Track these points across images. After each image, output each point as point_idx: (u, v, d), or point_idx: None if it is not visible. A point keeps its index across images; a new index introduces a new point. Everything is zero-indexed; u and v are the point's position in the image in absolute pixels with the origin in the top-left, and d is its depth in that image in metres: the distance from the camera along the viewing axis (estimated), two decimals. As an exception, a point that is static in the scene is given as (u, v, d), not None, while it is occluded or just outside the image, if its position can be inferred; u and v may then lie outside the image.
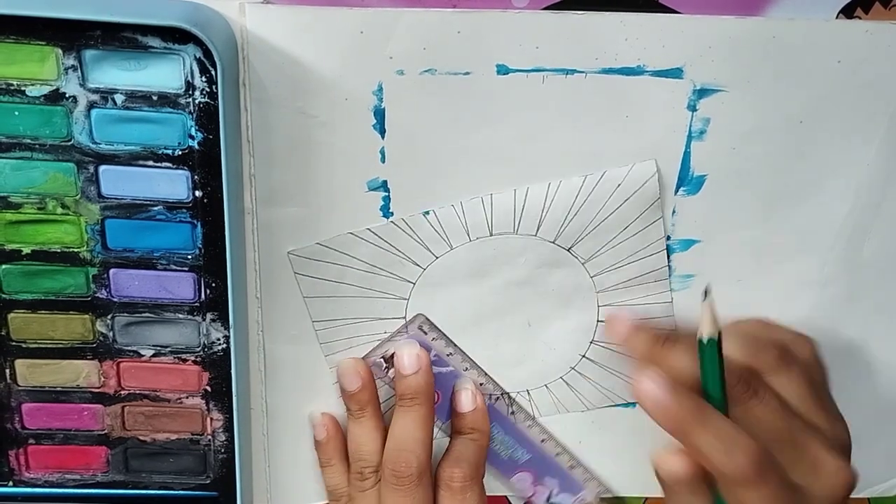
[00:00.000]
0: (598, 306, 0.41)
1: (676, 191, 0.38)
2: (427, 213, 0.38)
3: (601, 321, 0.41)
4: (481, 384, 0.42)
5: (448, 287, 0.40)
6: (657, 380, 0.34)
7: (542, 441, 0.44)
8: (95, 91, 0.33)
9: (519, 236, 0.39)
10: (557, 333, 0.41)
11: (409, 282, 0.39)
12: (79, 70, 0.33)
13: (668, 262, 0.40)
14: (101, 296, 0.37)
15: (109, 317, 0.38)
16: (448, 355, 0.42)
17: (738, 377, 0.35)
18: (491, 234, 0.39)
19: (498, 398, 0.43)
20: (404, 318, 0.40)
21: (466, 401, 0.42)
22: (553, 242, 0.39)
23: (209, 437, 0.41)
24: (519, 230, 0.38)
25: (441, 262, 0.39)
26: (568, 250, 0.39)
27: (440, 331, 0.41)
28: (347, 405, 0.41)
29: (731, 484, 0.33)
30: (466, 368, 0.42)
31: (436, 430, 0.42)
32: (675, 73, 0.35)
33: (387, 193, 0.37)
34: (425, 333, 0.41)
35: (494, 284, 0.40)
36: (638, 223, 0.39)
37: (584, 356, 0.42)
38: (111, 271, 0.37)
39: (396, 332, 0.41)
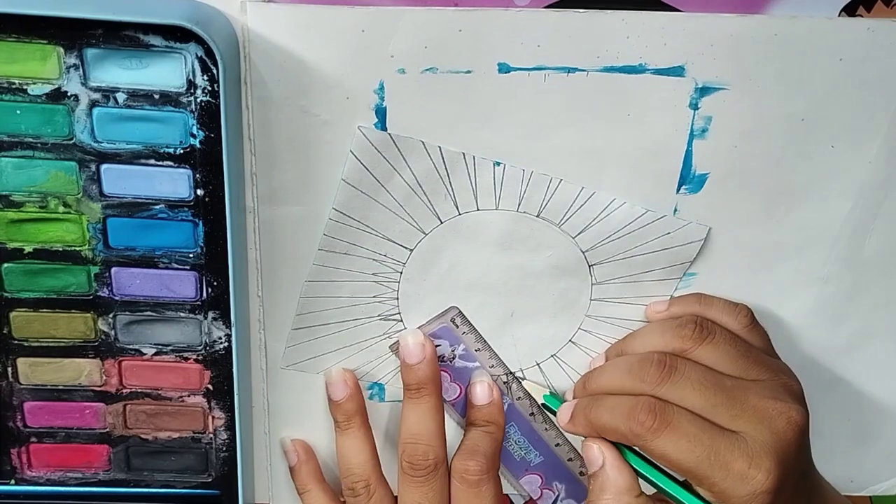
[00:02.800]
0: (579, 328, 0.41)
1: (678, 189, 0.38)
2: (498, 163, 0.37)
3: (572, 341, 0.42)
4: (505, 382, 0.42)
5: (467, 242, 0.39)
6: (561, 410, 0.39)
7: (557, 445, 0.44)
8: (97, 90, 0.33)
9: (560, 231, 0.38)
10: (530, 335, 0.42)
11: (438, 219, 0.38)
12: (80, 69, 0.33)
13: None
14: (102, 294, 0.37)
15: (111, 315, 0.38)
16: (476, 350, 0.42)
17: (651, 361, 0.36)
18: (538, 216, 0.38)
19: (520, 398, 0.43)
20: (411, 250, 0.39)
21: (483, 393, 0.41)
22: (583, 252, 0.39)
23: (211, 435, 0.41)
24: (563, 226, 0.38)
25: (478, 216, 0.38)
26: (590, 266, 0.39)
27: (471, 325, 0.41)
28: (334, 416, 0.41)
29: (644, 441, 0.35)
30: (493, 365, 0.42)
31: (454, 423, 0.42)
32: (677, 72, 0.35)
33: (388, 192, 0.37)
34: (457, 326, 0.41)
35: (508, 263, 0.39)
36: (659, 273, 0.40)
37: (538, 364, 0.42)
38: (113, 270, 0.37)
39: (427, 323, 0.41)
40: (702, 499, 0.35)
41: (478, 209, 0.38)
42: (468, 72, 0.35)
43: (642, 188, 0.38)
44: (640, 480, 0.37)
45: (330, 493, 0.42)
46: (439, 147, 0.36)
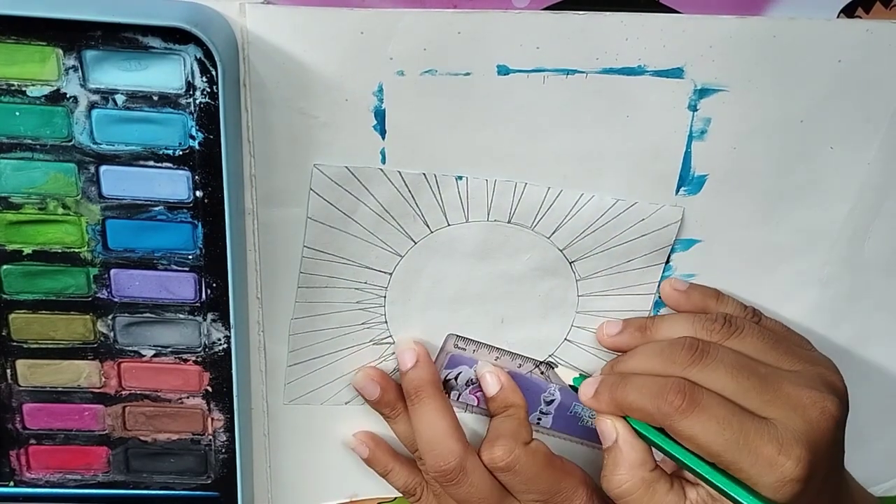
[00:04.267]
0: (572, 325, 0.41)
1: (677, 191, 0.38)
2: (460, 178, 0.37)
3: (567, 339, 0.42)
4: (520, 365, 0.42)
5: (444, 258, 0.39)
6: (585, 384, 0.38)
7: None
8: (96, 91, 0.33)
9: (533, 233, 0.38)
10: (522, 339, 0.42)
11: (411, 240, 0.39)
12: (79, 70, 0.33)
13: (666, 268, 0.40)
14: (101, 296, 0.37)
15: (110, 317, 0.38)
16: (496, 360, 0.42)
17: (682, 345, 0.36)
18: (509, 222, 0.38)
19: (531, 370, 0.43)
20: (390, 274, 0.39)
21: (492, 383, 0.41)
22: (561, 250, 0.39)
23: (210, 437, 0.41)
24: (536, 227, 0.38)
25: (450, 231, 0.38)
26: (570, 263, 0.39)
27: (476, 341, 0.41)
28: (380, 412, 0.41)
29: (671, 421, 0.34)
30: (520, 365, 0.42)
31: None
32: (676, 73, 0.35)
33: (387, 193, 0.37)
34: (464, 350, 0.41)
35: (488, 271, 0.40)
36: (641, 261, 0.39)
37: (538, 366, 0.42)
38: (112, 271, 0.37)
39: (436, 359, 0.41)
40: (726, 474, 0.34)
41: (448, 224, 0.38)
42: (467, 74, 0.35)
43: (641, 190, 0.38)
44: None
45: (409, 464, 0.42)
46: (398, 171, 0.37)
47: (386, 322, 0.40)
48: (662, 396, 0.34)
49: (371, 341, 0.41)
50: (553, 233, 0.39)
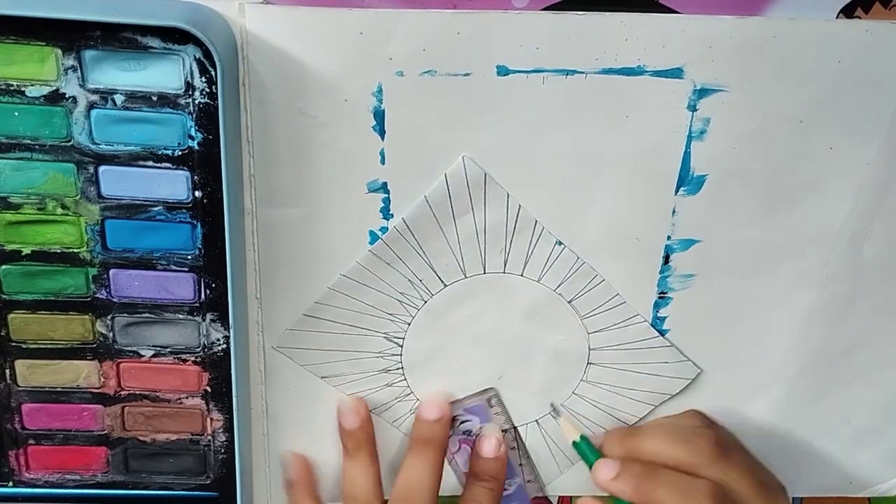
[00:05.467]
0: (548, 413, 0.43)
1: (676, 191, 0.38)
2: (560, 243, 0.38)
3: (537, 421, 0.43)
4: (513, 448, 0.44)
5: (496, 300, 0.40)
6: (605, 463, 0.39)
7: (520, 465, 0.45)
8: (95, 91, 0.33)
9: (580, 323, 0.41)
10: (508, 400, 0.43)
11: (483, 269, 0.39)
12: (78, 70, 0.33)
13: (665, 269, 0.40)
14: (100, 296, 0.37)
15: (109, 317, 0.38)
16: (504, 431, 0.43)
17: (706, 438, 0.38)
18: (569, 302, 0.40)
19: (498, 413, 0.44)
20: (445, 285, 0.39)
21: (490, 447, 0.42)
22: (590, 349, 0.41)
23: (209, 437, 0.41)
24: (585, 319, 0.41)
25: (518, 280, 0.40)
26: (588, 364, 0.42)
27: (505, 408, 0.43)
28: (344, 442, 0.41)
29: None
30: (513, 447, 0.44)
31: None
32: (676, 73, 0.35)
33: (387, 195, 0.37)
34: (490, 406, 0.42)
35: (521, 332, 0.41)
36: (640, 394, 0.43)
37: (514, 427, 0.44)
38: (111, 272, 0.37)
39: (465, 398, 0.42)
40: None
41: (522, 275, 0.39)
42: (467, 74, 0.35)
43: (641, 190, 0.38)
44: None
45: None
46: (520, 205, 0.37)
47: (409, 324, 0.40)
48: (695, 499, 0.35)
49: (384, 334, 0.41)
50: (595, 331, 0.41)
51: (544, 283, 0.40)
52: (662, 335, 0.41)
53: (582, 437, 0.42)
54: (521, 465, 0.44)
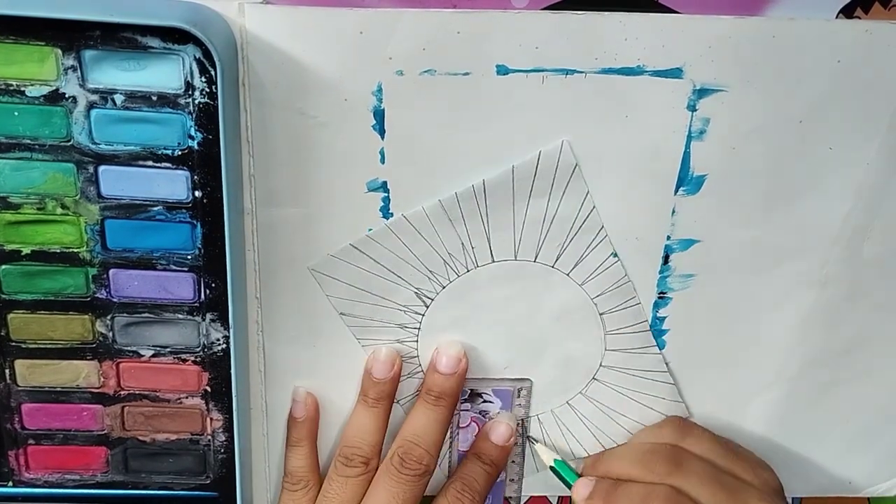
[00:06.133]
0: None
1: (676, 191, 0.38)
2: (615, 255, 0.39)
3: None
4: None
5: (533, 291, 0.40)
6: (581, 483, 0.41)
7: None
8: (95, 91, 0.33)
9: (602, 337, 0.41)
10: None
11: (535, 259, 0.39)
12: (78, 70, 0.33)
13: (665, 268, 0.40)
14: (100, 296, 0.37)
15: (109, 317, 0.38)
16: (517, 423, 0.43)
17: (661, 454, 0.40)
18: (601, 314, 0.41)
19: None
20: (477, 267, 0.39)
21: (502, 434, 0.42)
22: (601, 365, 0.42)
23: (209, 437, 0.41)
24: (609, 347, 0.41)
25: (564, 280, 0.40)
26: (593, 379, 0.42)
27: (529, 405, 0.43)
28: (366, 391, 0.41)
29: None
30: (517, 443, 0.44)
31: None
32: (675, 73, 0.35)
33: (386, 194, 0.37)
34: (518, 396, 0.43)
35: (546, 334, 0.41)
36: (626, 420, 0.44)
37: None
38: (111, 271, 0.37)
39: (499, 379, 0.42)
40: None
41: (568, 274, 0.40)
42: (466, 74, 0.35)
43: (641, 190, 0.38)
44: None
45: (316, 455, 0.43)
46: (594, 206, 0.38)
47: (433, 299, 0.40)
48: (649, 501, 0.38)
49: (405, 304, 0.40)
50: (611, 351, 0.42)
51: (585, 288, 0.40)
52: (670, 373, 0.42)
53: (556, 460, 0.43)
54: (512, 461, 0.44)
